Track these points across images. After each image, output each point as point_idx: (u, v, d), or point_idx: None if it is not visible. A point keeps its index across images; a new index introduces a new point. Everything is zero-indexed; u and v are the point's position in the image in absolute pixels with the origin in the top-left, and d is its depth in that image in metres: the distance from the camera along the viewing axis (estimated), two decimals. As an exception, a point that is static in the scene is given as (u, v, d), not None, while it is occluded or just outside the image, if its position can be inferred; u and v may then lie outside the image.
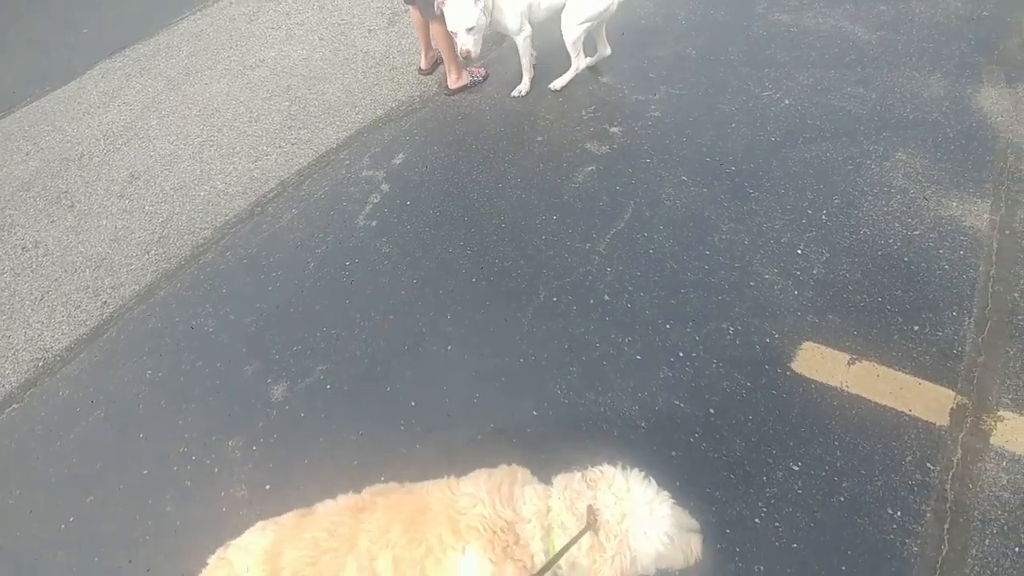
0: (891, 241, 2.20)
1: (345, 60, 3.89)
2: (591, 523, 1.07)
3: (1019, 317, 1.92)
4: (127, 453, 2.03)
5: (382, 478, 1.80)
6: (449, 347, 2.15)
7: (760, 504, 1.62)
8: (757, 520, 1.59)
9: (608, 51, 3.26)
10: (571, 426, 1.85)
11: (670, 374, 1.94)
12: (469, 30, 2.77)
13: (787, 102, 2.90)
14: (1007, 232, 2.17)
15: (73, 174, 3.39)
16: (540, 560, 1.10)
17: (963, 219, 2.23)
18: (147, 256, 2.78)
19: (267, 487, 1.87)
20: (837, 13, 3.43)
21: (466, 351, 2.13)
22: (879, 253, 2.17)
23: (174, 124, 3.62)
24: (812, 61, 3.12)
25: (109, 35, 4.78)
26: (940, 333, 1.91)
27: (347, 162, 3.08)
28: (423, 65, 3.57)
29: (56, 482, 1.99)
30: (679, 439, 1.78)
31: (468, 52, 2.83)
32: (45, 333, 2.51)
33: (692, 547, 1.11)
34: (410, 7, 3.30)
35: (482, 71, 3.46)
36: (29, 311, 2.61)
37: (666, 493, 1.10)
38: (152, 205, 3.06)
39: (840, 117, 2.76)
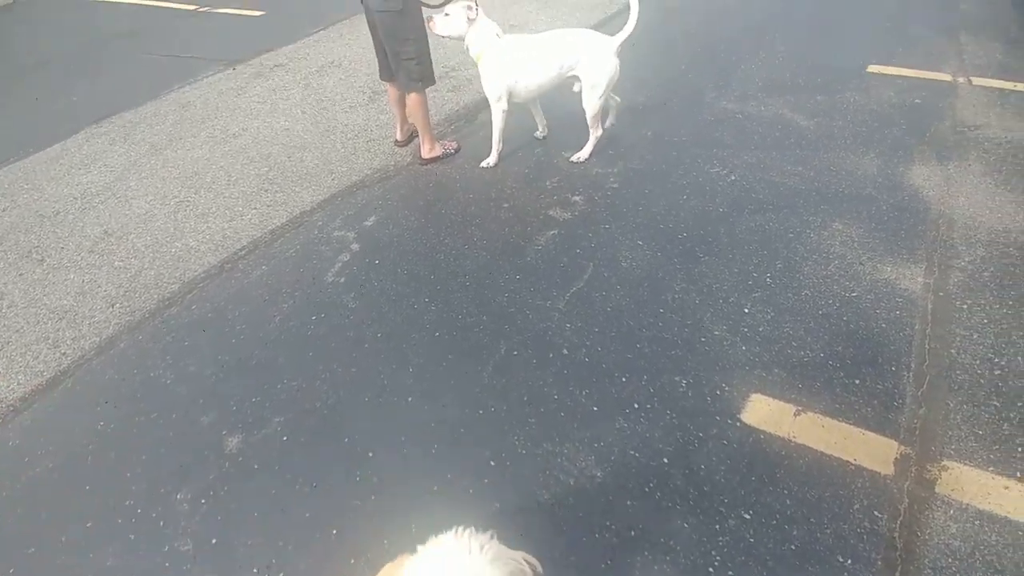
0: (831, 302, 2.34)
1: (325, 131, 4.10)
2: None
3: (957, 372, 2.04)
4: (72, 506, 1.95)
5: (333, 532, 1.78)
6: (409, 399, 2.17)
7: (714, 553, 1.62)
8: (711, 569, 1.59)
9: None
10: (528, 476, 1.86)
11: (625, 425, 1.98)
12: (446, 15, 3.03)
13: (733, 178, 3.14)
14: (941, 294, 2.33)
15: (46, 230, 3.41)
16: None
17: (898, 282, 2.40)
18: (111, 309, 2.78)
19: (213, 541, 1.80)
20: (778, 103, 3.78)
21: (426, 403, 2.15)
22: (820, 313, 2.30)
23: (152, 185, 3.72)
24: (755, 143, 3.40)
25: (99, 103, 4.96)
26: (881, 387, 2.01)
27: (320, 223, 3.18)
28: (399, 137, 3.78)
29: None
30: (634, 488, 1.79)
31: (432, 22, 3.06)
32: (1, 383, 2.45)
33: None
34: (387, 84, 3.54)
35: (454, 144, 3.67)
36: (-15, 362, 2.56)
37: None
38: (122, 260, 3.09)
39: (781, 192, 2.99)
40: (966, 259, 2.47)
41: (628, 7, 3.00)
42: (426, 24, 3.09)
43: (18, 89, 5.58)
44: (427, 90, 3.35)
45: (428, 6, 3.12)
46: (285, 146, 3.98)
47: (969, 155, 3.10)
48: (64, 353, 2.57)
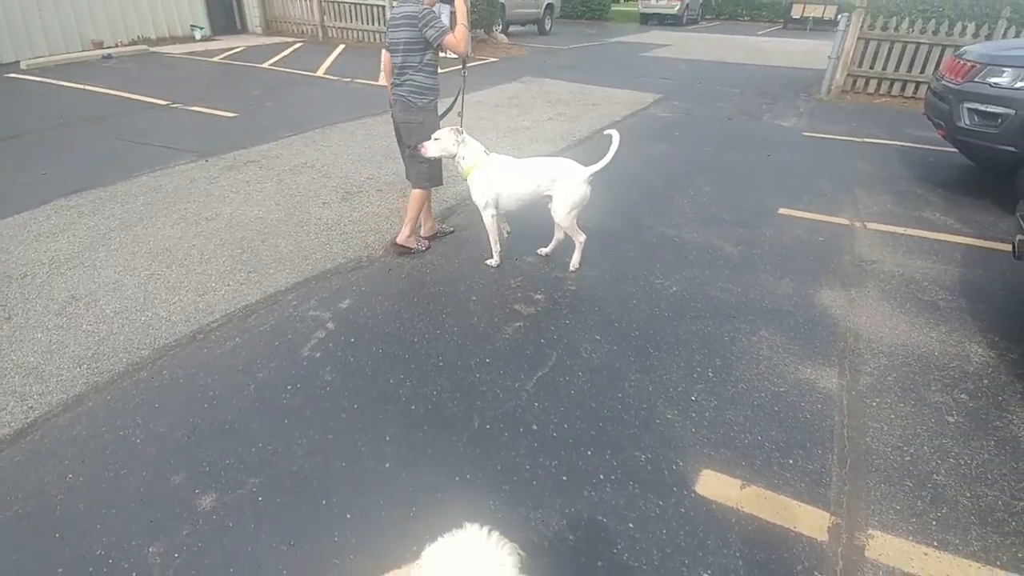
0: (763, 395, 2.68)
1: (299, 223, 4.33)
2: None
3: (873, 457, 2.36)
4: (40, 553, 1.86)
5: (311, 589, 1.79)
6: (387, 464, 2.25)
7: (677, 607, 1.76)
8: (676, 622, 1.72)
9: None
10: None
11: (593, 493, 2.14)
12: (436, 139, 3.47)
13: (674, 289, 3.58)
14: (853, 393, 2.72)
15: (13, 290, 3.36)
16: None
17: (817, 382, 2.78)
18: (79, 369, 2.73)
19: (182, 598, 1.75)
20: (708, 232, 4.40)
21: (403, 469, 2.23)
22: (755, 403, 2.62)
23: (122, 258, 3.76)
24: (691, 262, 3.92)
25: (68, 179, 5.03)
26: (811, 466, 2.29)
27: (294, 303, 3.31)
28: (423, 233, 4.04)
29: (-74, 593, 1.74)
30: (604, 550, 1.93)
31: (423, 148, 3.46)
32: (-50, 436, 2.32)
33: None
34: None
35: (426, 242, 3.99)
36: (-69, 414, 2.42)
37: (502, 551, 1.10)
38: (90, 324, 3.07)
39: (715, 303, 3.43)
40: (872, 366, 2.92)
41: (592, 141, 3.55)
42: (419, 149, 3.51)
43: (-17, 160, 5.55)
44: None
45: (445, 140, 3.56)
46: (259, 232, 4.16)
47: (867, 284, 3.71)
48: (31, 407, 2.50)
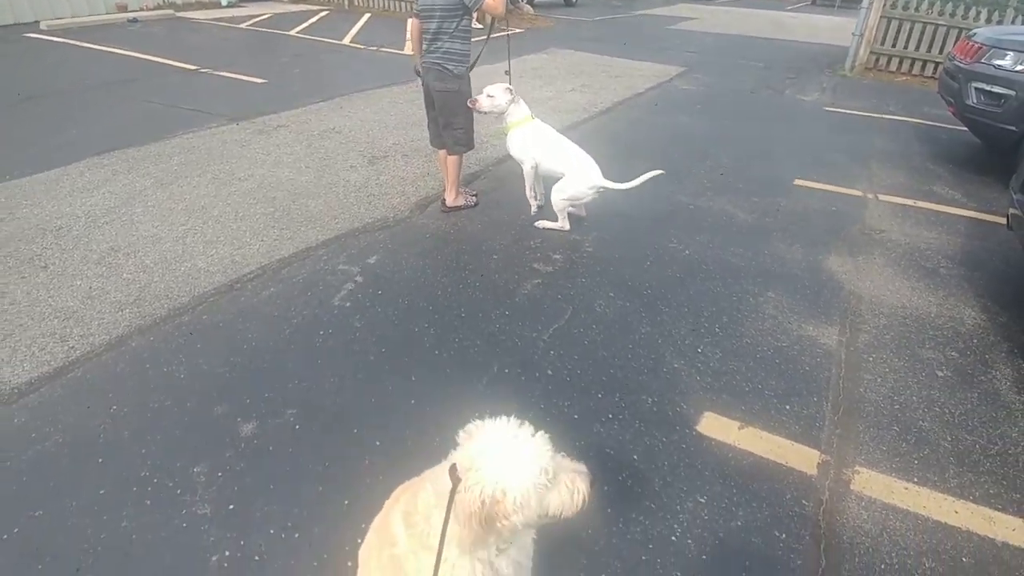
0: (766, 349, 2.82)
1: (328, 185, 4.50)
2: (455, 479, 1.10)
3: (865, 405, 2.50)
4: (83, 475, 2.07)
5: (345, 502, 2.00)
6: (412, 401, 2.44)
7: (676, 526, 1.94)
8: (674, 538, 1.90)
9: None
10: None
11: (602, 430, 2.32)
12: (490, 96, 3.71)
13: (687, 252, 3.71)
14: (852, 348, 2.85)
15: (49, 241, 3.57)
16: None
17: (818, 338, 2.92)
18: (120, 313, 2.95)
19: (231, 507, 1.97)
20: (723, 200, 4.49)
21: (428, 406, 2.42)
22: (758, 356, 2.77)
23: (159, 214, 3.96)
24: (705, 228, 4.03)
25: (99, 138, 5.23)
26: (805, 412, 2.44)
27: (325, 257, 3.50)
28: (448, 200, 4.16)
29: (2, 497, 1.98)
30: (610, 478, 2.11)
31: (477, 102, 3.69)
32: (4, 369, 2.55)
33: (578, 487, 1.12)
34: (438, 150, 4.09)
35: (475, 197, 4.20)
36: (-11, 349, 2.66)
37: (540, 432, 1.15)
38: (130, 273, 3.28)
39: (726, 266, 3.55)
40: (871, 325, 3.04)
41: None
42: (471, 104, 3.72)
43: (8, 119, 5.77)
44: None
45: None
46: (289, 192, 4.34)
47: (874, 251, 3.80)
48: (72, 347, 2.71)
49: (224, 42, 10.04)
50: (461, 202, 4.09)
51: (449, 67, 3.64)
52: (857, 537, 1.94)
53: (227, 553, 1.81)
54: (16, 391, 2.44)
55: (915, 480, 2.16)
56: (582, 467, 1.21)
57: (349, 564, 1.72)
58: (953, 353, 2.86)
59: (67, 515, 1.93)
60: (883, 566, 1.86)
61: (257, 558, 1.80)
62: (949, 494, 2.12)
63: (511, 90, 3.76)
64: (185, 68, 7.94)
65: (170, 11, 12.36)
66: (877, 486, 2.12)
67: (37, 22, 10.33)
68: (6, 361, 2.60)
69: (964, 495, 2.12)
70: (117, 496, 1.99)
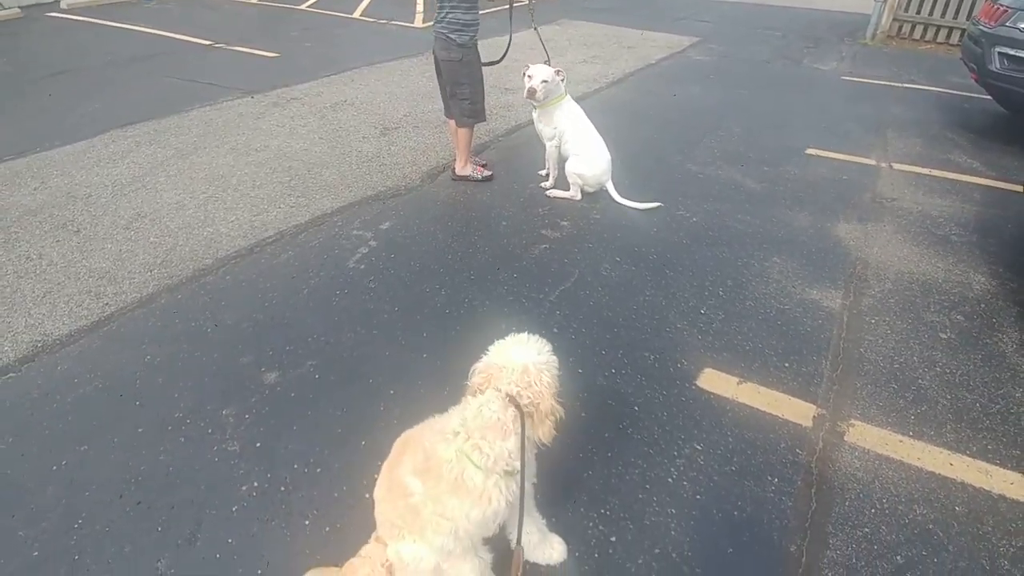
0: (769, 311, 2.89)
1: (341, 155, 4.59)
2: (519, 406, 1.38)
3: (864, 364, 2.58)
4: (123, 416, 2.23)
5: (362, 442, 2.13)
6: (425, 355, 2.56)
7: (672, 469, 2.05)
8: (670, 480, 2.01)
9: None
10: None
11: (605, 383, 2.42)
12: (544, 82, 3.66)
13: (695, 220, 3.76)
14: (854, 312, 2.91)
15: (79, 208, 3.73)
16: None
17: (822, 302, 2.98)
18: (150, 273, 3.10)
19: (258, 444, 2.12)
20: (732, 169, 4.51)
21: (439, 359, 2.54)
22: (760, 317, 2.84)
23: (181, 182, 4.10)
24: (713, 196, 4.07)
25: (121, 112, 5.36)
26: (804, 369, 2.52)
27: (339, 224, 3.61)
28: (458, 169, 4.20)
29: (50, 434, 2.14)
30: (611, 425, 2.22)
31: (533, 90, 3.65)
32: (46, 322, 2.72)
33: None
34: (449, 120, 4.10)
35: (487, 171, 4.17)
36: (31, 305, 2.83)
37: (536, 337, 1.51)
38: (156, 237, 3.43)
39: (732, 233, 3.61)
40: (876, 290, 3.09)
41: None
42: (527, 97, 3.72)
43: (34, 94, 5.92)
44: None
45: (491, 63, 3.84)
46: (304, 162, 4.45)
47: (884, 219, 3.82)
48: (107, 304, 2.87)
49: (236, 18, 10.07)
50: (469, 171, 4.12)
51: (452, 36, 3.65)
52: (849, 483, 2.04)
53: (255, 484, 1.96)
54: (58, 342, 2.60)
55: (910, 434, 2.24)
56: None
57: (367, 496, 1.85)
58: (959, 317, 2.91)
59: (109, 450, 2.09)
60: (873, 510, 1.95)
61: (283, 488, 1.95)
62: (945, 448, 2.19)
63: (559, 70, 3.76)
64: (200, 44, 8.01)
65: (185, -13, 12.38)
66: (871, 438, 2.21)
67: (58, 1, 10.45)
68: (47, 315, 2.76)
69: (961, 449, 2.19)
70: (154, 434, 2.15)
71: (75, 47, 7.84)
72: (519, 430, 1.40)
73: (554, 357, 1.48)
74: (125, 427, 2.18)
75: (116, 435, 2.15)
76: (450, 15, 3.63)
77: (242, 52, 7.66)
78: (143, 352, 2.55)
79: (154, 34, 8.50)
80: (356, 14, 10.37)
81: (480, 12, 3.74)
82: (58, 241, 3.37)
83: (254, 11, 10.63)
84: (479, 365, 1.48)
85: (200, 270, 3.13)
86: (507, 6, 4.01)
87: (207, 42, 8.08)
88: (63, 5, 10.23)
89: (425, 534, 1.41)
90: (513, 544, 1.44)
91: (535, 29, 4.12)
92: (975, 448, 2.19)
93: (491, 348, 1.49)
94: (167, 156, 4.51)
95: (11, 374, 2.41)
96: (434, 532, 1.40)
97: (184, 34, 8.41)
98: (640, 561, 1.76)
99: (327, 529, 1.84)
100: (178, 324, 2.72)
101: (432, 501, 1.39)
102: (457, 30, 3.65)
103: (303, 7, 10.91)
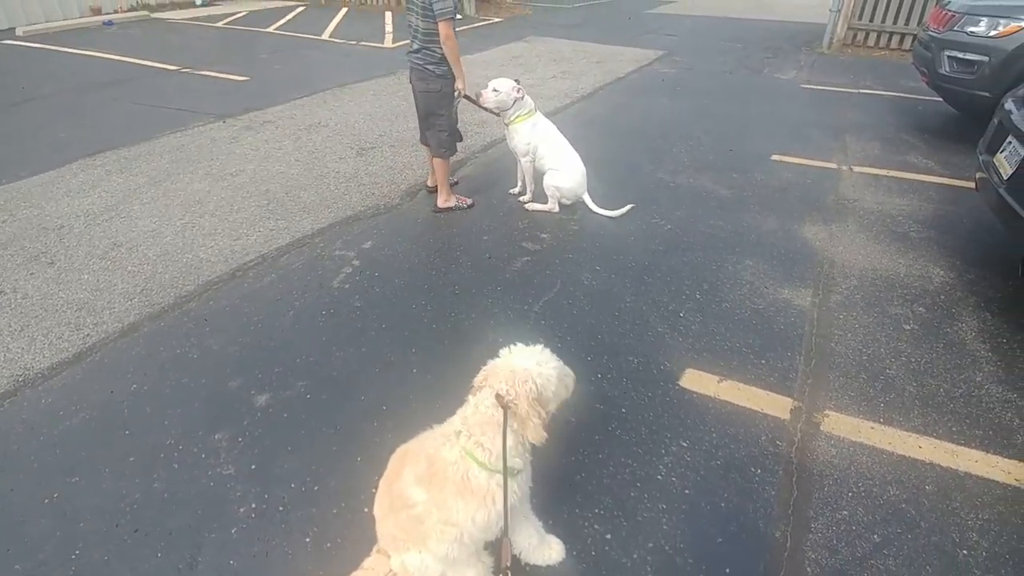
0: (744, 312, 3.01)
1: (318, 176, 4.62)
2: (503, 403, 1.43)
3: (835, 358, 2.70)
4: (112, 445, 2.22)
5: (358, 459, 2.16)
6: (414, 370, 2.60)
7: (661, 467, 2.12)
8: (659, 477, 2.09)
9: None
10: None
11: (592, 388, 2.49)
12: (495, 91, 3.77)
13: (669, 227, 3.88)
14: (824, 308, 3.05)
15: (52, 239, 3.69)
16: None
17: (793, 300, 3.11)
18: (130, 303, 3.08)
19: (253, 467, 2.13)
20: (703, 177, 4.67)
21: (429, 373, 2.59)
22: (736, 318, 2.95)
23: (156, 210, 4.08)
24: (686, 204, 4.21)
25: (89, 140, 5.31)
26: (780, 365, 2.63)
27: (321, 245, 3.64)
28: (430, 183, 4.25)
29: (39, 468, 2.12)
30: (600, 428, 2.29)
31: (481, 95, 3.77)
32: (25, 356, 2.69)
33: (568, 383, 1.57)
34: (425, 146, 4.10)
35: (468, 200, 4.15)
36: (8, 340, 2.79)
37: (547, 350, 1.56)
38: (135, 266, 3.41)
39: (706, 238, 3.74)
40: (843, 287, 3.23)
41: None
42: (476, 99, 3.80)
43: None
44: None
45: (471, 99, 3.87)
46: (282, 185, 4.47)
47: (848, 219, 3.99)
48: (87, 335, 2.85)
49: (202, 41, 10.05)
50: (452, 203, 4.08)
51: (431, 68, 3.63)
52: (827, 470, 2.14)
53: (253, 505, 1.97)
54: (40, 375, 2.57)
55: (881, 420, 2.36)
56: (569, 371, 1.62)
57: (365, 510, 1.89)
58: (920, 308, 3.06)
59: (101, 480, 2.08)
60: (850, 494, 2.05)
61: (281, 508, 1.96)
62: (914, 432, 2.31)
63: (519, 88, 3.83)
64: (166, 69, 7.98)
65: (145, 12, 12.31)
66: (845, 427, 2.32)
67: (12, 28, 10.28)
68: (26, 349, 2.73)
69: (928, 432, 2.31)
70: (146, 462, 2.14)
71: (36, 75, 7.73)
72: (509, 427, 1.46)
73: (552, 370, 1.52)
74: (116, 457, 2.17)
75: (107, 465, 2.14)
76: (424, 48, 3.60)
77: (210, 76, 7.65)
78: (128, 381, 2.53)
79: (117, 60, 8.44)
80: (325, 36, 10.43)
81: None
82: (32, 274, 3.32)
83: (220, 34, 10.62)
84: (486, 366, 1.54)
85: (182, 297, 3.12)
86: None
87: (173, 67, 8.05)
88: (19, 32, 10.06)
89: (429, 543, 1.45)
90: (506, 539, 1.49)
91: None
92: (941, 430, 2.32)
93: (502, 352, 1.55)
94: (140, 184, 4.48)
95: (-6, 410, 2.38)
96: (438, 541, 1.44)
97: (149, 59, 8.37)
98: (635, 556, 1.82)
99: (328, 545, 1.86)
100: (163, 352, 2.71)
101: (437, 507, 1.43)
102: (434, 62, 3.62)
103: (271, 29, 10.93)
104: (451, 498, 1.42)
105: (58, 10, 11.15)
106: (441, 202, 4.07)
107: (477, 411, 1.47)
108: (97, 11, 11.65)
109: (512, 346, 1.55)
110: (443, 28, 3.45)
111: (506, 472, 1.44)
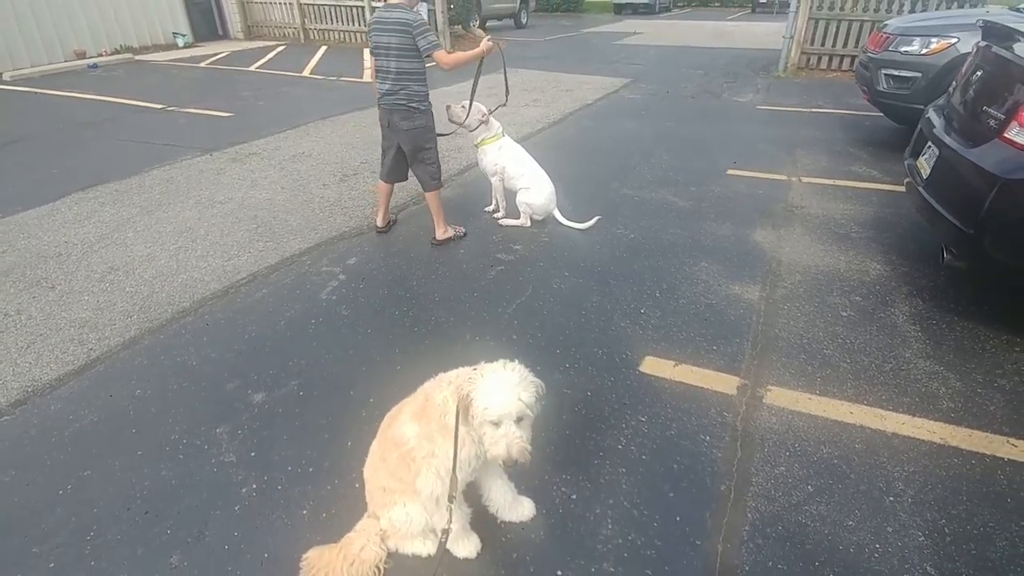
0: (698, 306, 3.30)
1: (304, 202, 4.89)
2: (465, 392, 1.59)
3: (778, 342, 2.99)
4: (121, 443, 2.42)
5: (348, 443, 2.39)
6: (398, 367, 2.84)
7: (622, 438, 2.37)
8: (619, 447, 2.34)
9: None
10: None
11: (560, 376, 2.75)
12: (462, 107, 4.19)
13: (632, 236, 4.20)
14: (770, 301, 3.36)
15: (52, 266, 3.89)
16: None
17: (742, 295, 3.41)
18: (130, 319, 3.29)
19: (252, 454, 2.34)
20: (663, 191, 5.02)
21: (412, 370, 2.79)
22: (691, 312, 3.25)
23: (150, 236, 4.31)
24: (648, 215, 4.54)
25: (81, 175, 5.53)
26: (729, 350, 2.92)
27: (309, 262, 3.89)
28: (379, 223, 4.27)
29: (52, 464, 2.31)
30: (568, 409, 2.54)
31: (450, 108, 4.20)
32: (33, 369, 2.88)
33: (508, 446, 1.56)
34: (383, 183, 4.14)
35: (462, 229, 4.24)
36: (15, 356, 2.98)
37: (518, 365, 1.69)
38: (132, 287, 3.62)
39: (665, 245, 4.06)
40: (788, 282, 3.55)
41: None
42: (445, 110, 4.10)
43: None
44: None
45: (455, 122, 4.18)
46: (269, 211, 4.73)
47: (795, 224, 4.35)
48: (91, 349, 3.05)
49: (186, 81, 10.38)
50: (451, 234, 4.13)
51: (415, 106, 3.72)
52: (767, 435, 2.40)
53: (254, 486, 2.18)
54: (48, 386, 2.76)
55: (817, 392, 2.64)
56: (526, 443, 1.61)
57: (357, 486, 2.10)
58: (857, 297, 3.39)
59: (112, 472, 2.27)
60: (788, 453, 2.32)
61: (280, 487, 2.17)
62: (847, 400, 2.60)
63: (485, 113, 4.20)
64: (152, 107, 8.26)
65: (128, 55, 12.66)
66: (785, 399, 2.60)
67: (0, 74, 10.54)
68: (34, 363, 2.92)
69: (859, 400, 2.60)
70: (153, 455, 2.34)
71: (26, 116, 7.97)
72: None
73: (498, 395, 1.59)
74: (124, 452, 2.36)
75: (116, 459, 2.33)
76: (404, 90, 3.67)
77: (195, 113, 7.94)
78: (133, 388, 2.74)
79: (104, 100, 8.71)
80: (306, 72, 10.83)
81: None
82: (34, 297, 3.52)
83: (203, 74, 10.96)
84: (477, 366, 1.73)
85: (179, 312, 3.34)
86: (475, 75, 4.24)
87: (159, 105, 8.33)
88: (6, 77, 10.33)
89: (418, 481, 1.69)
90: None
91: (504, 72, 4.47)
92: (871, 399, 2.61)
93: (497, 363, 1.70)
94: (132, 214, 4.70)
95: (6, 417, 2.56)
96: (426, 474, 1.67)
97: (134, 99, 8.65)
98: (598, 511, 2.06)
99: (323, 515, 2.07)
100: (164, 361, 2.92)
101: (426, 440, 1.67)
102: (418, 99, 3.73)
103: (253, 68, 11.31)
104: (436, 432, 1.66)
105: (44, 54, 11.47)
106: (440, 234, 4.09)
107: (462, 375, 1.71)
108: (82, 55, 11.97)
109: (510, 363, 1.69)
110: (440, 57, 3.57)
111: (456, 448, 1.64)
